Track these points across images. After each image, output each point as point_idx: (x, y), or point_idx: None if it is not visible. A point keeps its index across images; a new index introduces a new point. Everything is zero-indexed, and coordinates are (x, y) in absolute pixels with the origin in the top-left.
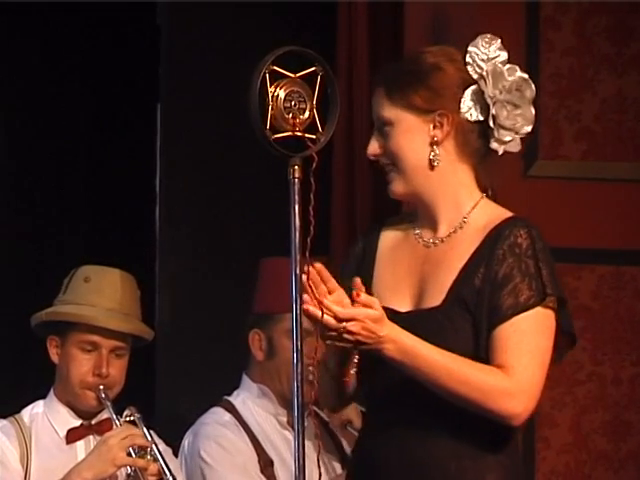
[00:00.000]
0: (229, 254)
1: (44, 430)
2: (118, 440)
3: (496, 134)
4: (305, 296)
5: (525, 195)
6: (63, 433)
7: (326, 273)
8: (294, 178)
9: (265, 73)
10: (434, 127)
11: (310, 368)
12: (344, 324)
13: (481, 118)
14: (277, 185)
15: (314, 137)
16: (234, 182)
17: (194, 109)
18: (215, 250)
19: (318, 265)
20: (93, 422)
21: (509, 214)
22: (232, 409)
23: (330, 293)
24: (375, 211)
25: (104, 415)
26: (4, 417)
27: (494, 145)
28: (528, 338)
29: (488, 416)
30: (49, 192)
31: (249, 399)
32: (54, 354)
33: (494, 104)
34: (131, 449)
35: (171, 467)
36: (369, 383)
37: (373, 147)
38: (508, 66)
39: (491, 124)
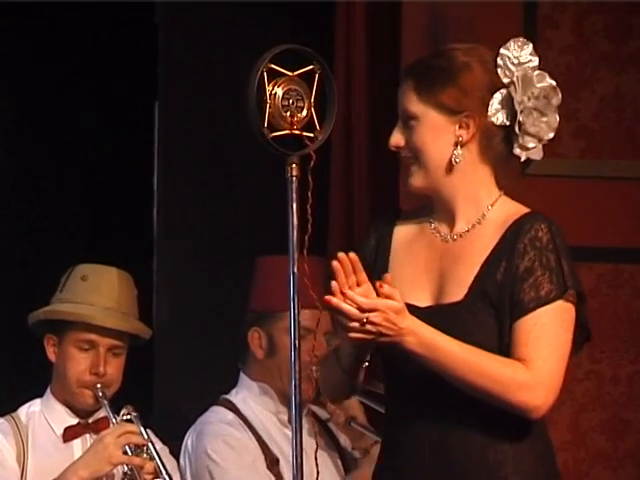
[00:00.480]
0: (227, 253)
1: (41, 428)
2: (114, 438)
3: (520, 140)
4: (333, 283)
5: (523, 193)
6: (60, 432)
7: (359, 265)
8: (292, 176)
9: (263, 71)
10: (460, 127)
11: (313, 367)
12: (367, 314)
13: (507, 123)
14: (275, 183)
15: (312, 135)
16: (232, 180)
17: (192, 108)
18: (213, 249)
19: (352, 255)
20: (90, 421)
21: (527, 209)
22: (234, 408)
23: (359, 285)
24: (373, 209)
25: (101, 414)
26: (1, 415)
27: (517, 151)
28: (549, 332)
29: (508, 409)
30: (47, 191)
31: (249, 398)
32: (51, 353)
33: (522, 111)
34: (127, 447)
35: (167, 466)
36: (394, 377)
37: (396, 139)
38: (537, 72)
39: (517, 130)
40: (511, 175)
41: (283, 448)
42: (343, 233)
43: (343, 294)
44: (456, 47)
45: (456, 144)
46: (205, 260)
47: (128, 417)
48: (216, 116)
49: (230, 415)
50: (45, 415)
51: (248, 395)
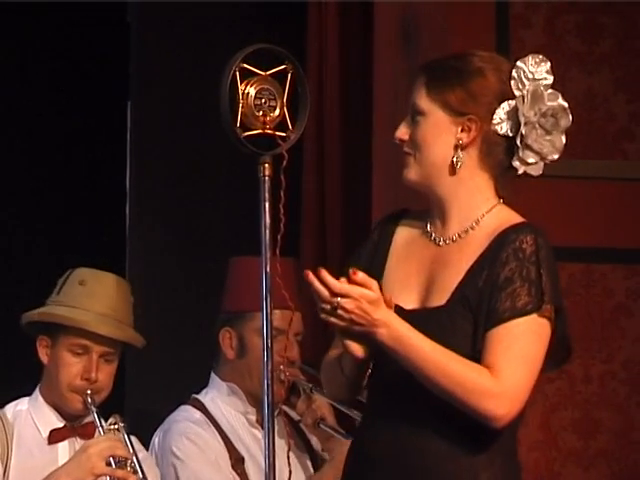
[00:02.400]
0: (199, 253)
1: (27, 428)
2: (98, 449)
3: (520, 153)
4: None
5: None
6: (46, 433)
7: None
8: (264, 176)
9: (235, 71)
10: (462, 130)
11: (281, 367)
12: (338, 299)
13: (510, 134)
14: (247, 183)
15: (284, 135)
16: (204, 180)
17: (164, 107)
18: (185, 249)
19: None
20: (76, 424)
21: (520, 219)
22: (202, 407)
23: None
24: (345, 209)
25: (88, 418)
26: None
27: (516, 163)
28: (520, 343)
29: (471, 415)
30: (18, 191)
31: (218, 398)
32: (43, 354)
33: (525, 124)
34: (111, 459)
35: (149, 479)
36: (372, 376)
37: (401, 132)
38: (550, 91)
39: (518, 142)
40: (509, 187)
41: (251, 448)
42: (315, 233)
43: (317, 274)
44: (476, 53)
45: (456, 147)
46: (177, 260)
47: (115, 426)
48: (188, 116)
49: (197, 414)
50: (32, 415)
51: (217, 395)
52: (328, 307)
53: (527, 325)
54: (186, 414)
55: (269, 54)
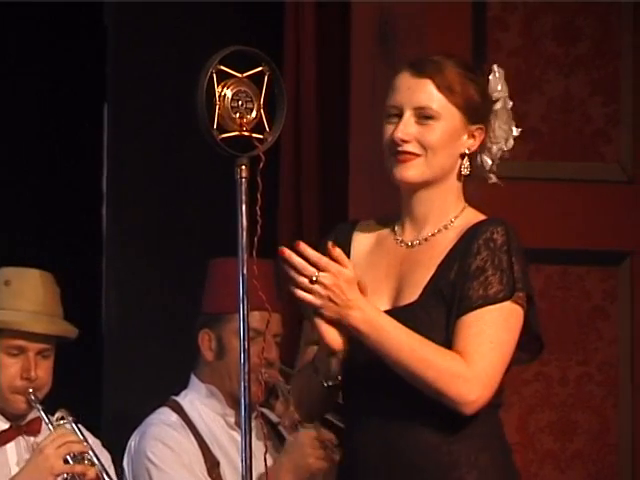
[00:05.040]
0: (176, 254)
1: None
2: (54, 449)
3: (495, 168)
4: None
5: (472, 195)
6: None
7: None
8: (241, 178)
9: (212, 73)
10: (468, 137)
11: (261, 370)
12: (317, 273)
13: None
14: (224, 185)
15: (261, 137)
16: (182, 182)
17: (141, 109)
18: (162, 250)
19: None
20: (22, 423)
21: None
22: (179, 409)
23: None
24: (322, 211)
25: (32, 415)
26: None
27: (493, 180)
28: (491, 329)
29: (442, 401)
30: None
31: (197, 399)
32: None
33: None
34: (68, 456)
35: (105, 465)
36: (350, 377)
37: (405, 133)
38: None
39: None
40: (471, 191)
41: (228, 450)
42: (292, 235)
43: (295, 246)
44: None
45: (462, 155)
46: (154, 261)
47: (63, 421)
48: (165, 118)
49: (174, 417)
50: None
51: (196, 397)
52: (306, 281)
53: (499, 312)
54: (162, 417)
55: (246, 56)
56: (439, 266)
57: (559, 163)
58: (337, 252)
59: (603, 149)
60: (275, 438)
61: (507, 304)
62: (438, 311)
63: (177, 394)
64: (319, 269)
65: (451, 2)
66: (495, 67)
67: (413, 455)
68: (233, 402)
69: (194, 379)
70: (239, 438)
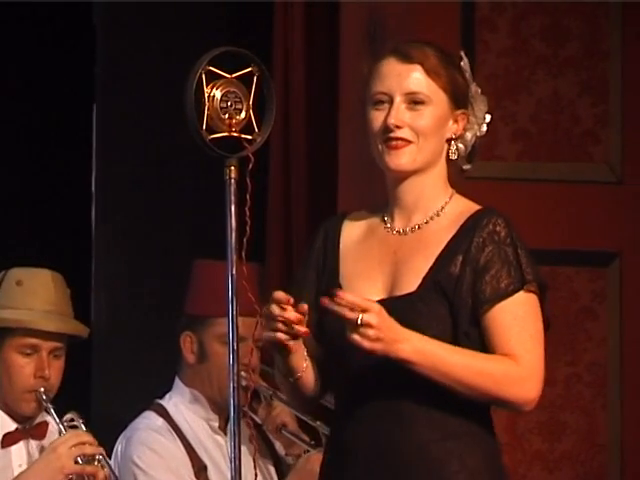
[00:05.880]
0: (165, 255)
1: None
2: (67, 448)
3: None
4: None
5: (460, 195)
6: None
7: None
8: (230, 179)
9: (201, 73)
10: (453, 122)
11: (242, 373)
12: (361, 315)
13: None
14: (214, 186)
15: (250, 138)
16: (170, 183)
17: (130, 109)
18: (151, 251)
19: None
20: (29, 426)
21: (479, 206)
22: (164, 413)
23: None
24: (311, 211)
25: (39, 419)
26: None
27: (467, 166)
28: (527, 323)
29: (502, 406)
30: None
31: (181, 403)
32: None
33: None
34: (79, 457)
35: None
36: (340, 369)
37: (398, 119)
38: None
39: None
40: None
41: (213, 455)
42: (281, 235)
43: (335, 296)
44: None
45: (449, 139)
46: (143, 262)
47: (75, 423)
48: (154, 118)
49: (159, 421)
50: None
51: (180, 400)
52: (353, 325)
53: (524, 304)
54: (148, 421)
55: (235, 57)
56: (438, 257)
57: (548, 164)
58: (349, 297)
59: (592, 149)
60: (261, 440)
61: (523, 294)
62: (437, 303)
63: (161, 397)
64: (362, 311)
65: (440, 3)
66: (462, 54)
67: (404, 453)
68: (216, 406)
69: (178, 382)
70: (223, 442)
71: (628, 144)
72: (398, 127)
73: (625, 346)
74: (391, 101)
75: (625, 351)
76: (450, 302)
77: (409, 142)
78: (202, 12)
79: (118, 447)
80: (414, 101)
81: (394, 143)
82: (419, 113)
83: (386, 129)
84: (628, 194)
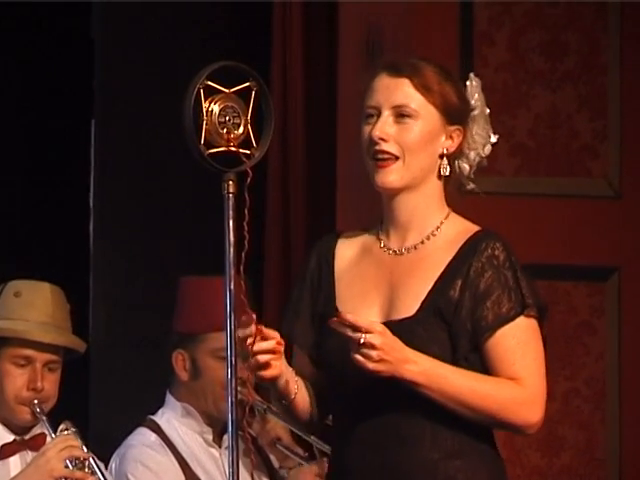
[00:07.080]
0: (163, 269)
1: None
2: (56, 452)
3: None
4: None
5: (458, 210)
6: None
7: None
8: (228, 193)
9: (199, 88)
10: (446, 138)
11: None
12: (363, 335)
13: (483, 155)
14: (212, 200)
15: (248, 152)
16: (169, 197)
17: (128, 124)
18: (149, 265)
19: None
20: (26, 437)
21: (477, 227)
22: (158, 429)
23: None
24: (309, 226)
25: (37, 430)
26: None
27: (470, 186)
28: (529, 347)
29: (506, 429)
30: None
31: (174, 418)
32: None
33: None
34: (68, 461)
35: (105, 474)
36: (340, 390)
37: (383, 131)
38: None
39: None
40: (451, 196)
41: (207, 468)
42: (279, 250)
43: (338, 316)
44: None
45: (441, 155)
46: (141, 277)
47: (67, 432)
48: (152, 133)
49: (153, 437)
50: None
51: (173, 416)
52: (356, 347)
53: (525, 328)
54: (141, 437)
55: (233, 71)
56: (437, 281)
57: (546, 178)
58: (351, 318)
59: (590, 164)
60: (256, 453)
61: (524, 319)
62: (437, 327)
63: (154, 413)
64: (365, 332)
65: (438, 17)
66: (472, 75)
67: (410, 472)
68: (209, 420)
69: (170, 398)
70: (218, 455)
71: (626, 159)
72: (383, 140)
73: (623, 361)
74: (380, 115)
75: (624, 366)
76: (449, 326)
77: (395, 158)
78: (200, 27)
79: (112, 464)
80: (401, 114)
81: (381, 162)
82: (406, 127)
83: (371, 142)
84: (626, 209)
